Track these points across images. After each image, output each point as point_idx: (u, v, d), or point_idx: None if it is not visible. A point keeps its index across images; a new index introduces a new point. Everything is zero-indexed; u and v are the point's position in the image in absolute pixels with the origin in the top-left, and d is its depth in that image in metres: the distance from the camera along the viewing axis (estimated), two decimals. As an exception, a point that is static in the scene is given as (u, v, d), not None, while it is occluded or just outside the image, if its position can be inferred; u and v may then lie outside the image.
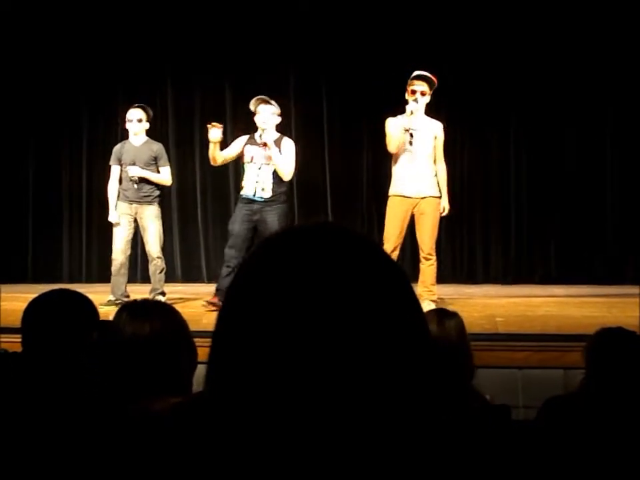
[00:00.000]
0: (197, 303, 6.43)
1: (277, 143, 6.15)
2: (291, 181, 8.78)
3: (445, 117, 6.68)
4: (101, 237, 8.63)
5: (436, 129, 5.90)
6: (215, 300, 6.01)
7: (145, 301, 2.30)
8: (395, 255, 5.57)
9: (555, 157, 8.34)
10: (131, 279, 6.76)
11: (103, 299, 6.03)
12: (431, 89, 5.83)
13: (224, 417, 0.65)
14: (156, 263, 6.39)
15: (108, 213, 6.53)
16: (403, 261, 7.48)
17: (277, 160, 6.04)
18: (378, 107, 7.73)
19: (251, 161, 6.15)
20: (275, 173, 6.07)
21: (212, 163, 6.52)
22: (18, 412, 1.98)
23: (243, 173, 6.25)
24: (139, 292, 6.72)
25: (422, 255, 5.83)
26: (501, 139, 8.55)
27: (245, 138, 6.31)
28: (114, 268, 6.41)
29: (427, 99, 5.85)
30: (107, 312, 5.66)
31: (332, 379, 0.62)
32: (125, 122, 6.59)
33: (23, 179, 9.34)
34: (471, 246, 8.68)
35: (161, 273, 6.42)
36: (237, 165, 7.11)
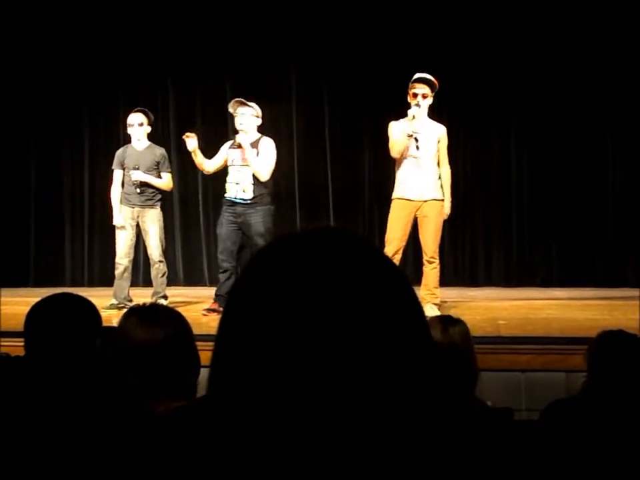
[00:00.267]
0: (199, 307, 6.44)
1: (256, 143, 6.14)
2: (292, 182, 8.89)
3: (446, 119, 6.67)
4: (103, 241, 8.65)
5: (439, 132, 5.88)
6: (215, 306, 6.01)
7: (152, 305, 2.31)
8: (397, 259, 5.55)
9: (556, 159, 8.34)
10: (133, 283, 6.76)
11: (105, 303, 6.04)
12: (432, 91, 5.82)
13: (226, 420, 0.65)
14: (158, 267, 6.40)
15: (111, 217, 6.53)
16: (406, 264, 7.48)
17: (252, 161, 6.05)
18: (379, 107, 7.74)
19: (232, 164, 6.17)
20: (254, 175, 6.07)
21: (204, 173, 6.58)
22: (20, 416, 1.98)
23: (227, 176, 6.26)
24: (141, 295, 6.72)
25: (425, 258, 5.82)
26: (502, 141, 8.55)
27: (229, 142, 6.34)
28: (117, 272, 6.41)
29: (429, 101, 5.84)
30: (109, 316, 5.68)
31: (334, 383, 0.62)
32: (126, 126, 6.59)
33: (24, 182, 9.35)
34: (473, 249, 8.68)
35: (162, 276, 6.42)
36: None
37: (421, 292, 5.67)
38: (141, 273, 8.42)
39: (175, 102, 9.10)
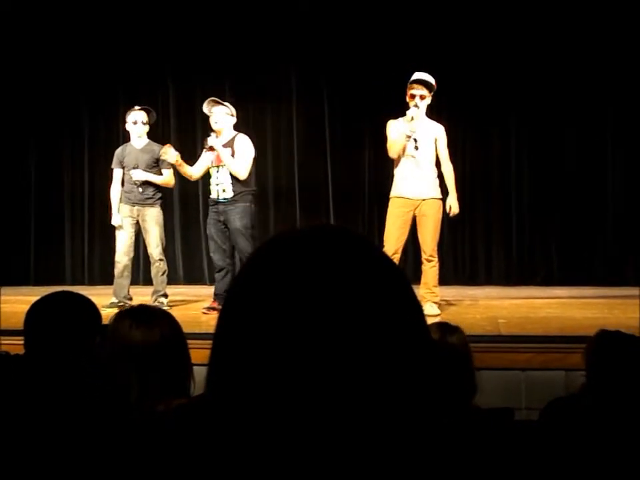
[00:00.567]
0: (198, 305, 6.44)
1: (231, 142, 6.15)
2: (292, 182, 8.89)
3: (446, 119, 6.68)
4: (103, 239, 8.65)
5: (437, 131, 5.89)
6: (215, 304, 6.02)
7: (143, 307, 2.32)
8: (396, 257, 5.56)
9: (556, 158, 8.34)
10: (133, 281, 6.76)
11: (106, 301, 6.04)
12: (430, 92, 5.82)
13: (225, 418, 0.65)
14: (158, 265, 6.39)
15: (111, 216, 6.53)
16: (406, 263, 7.49)
17: (226, 161, 6.07)
18: (379, 107, 7.73)
19: (211, 165, 6.20)
20: (232, 174, 6.09)
21: (192, 180, 6.60)
22: (20, 414, 1.98)
23: (209, 178, 6.29)
24: (141, 294, 6.73)
25: (424, 256, 5.83)
26: (502, 140, 8.56)
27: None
28: (117, 270, 6.41)
29: (427, 102, 5.84)
30: (109, 314, 5.66)
31: (332, 381, 0.62)
32: (125, 123, 6.58)
33: (24, 181, 9.35)
34: (472, 248, 8.68)
35: (163, 275, 6.41)
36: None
37: (421, 290, 5.68)
38: (141, 271, 8.43)
39: (175, 102, 9.10)
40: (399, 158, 5.82)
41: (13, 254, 9.12)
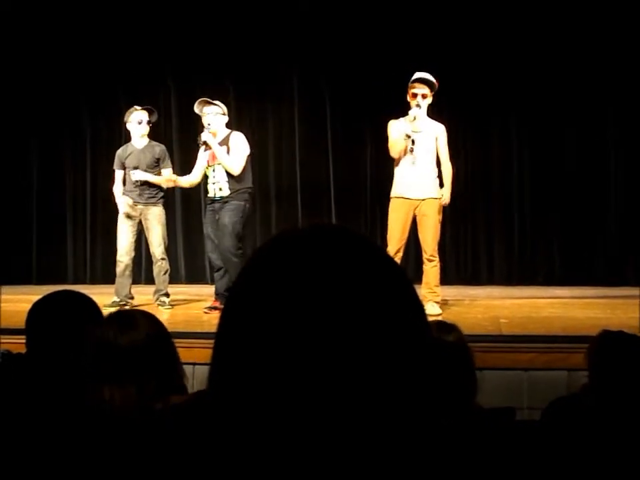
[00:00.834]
0: (200, 304, 6.44)
1: (226, 140, 6.16)
2: (293, 181, 8.89)
3: (447, 119, 6.67)
4: (105, 238, 8.65)
5: (437, 130, 5.89)
6: (217, 304, 6.02)
7: (123, 311, 2.38)
8: (398, 257, 5.56)
9: (557, 158, 8.34)
10: (135, 280, 6.77)
11: (107, 300, 6.04)
12: (431, 91, 5.82)
13: (226, 417, 0.65)
14: (160, 264, 6.40)
15: (115, 213, 6.55)
16: (407, 263, 7.49)
17: (221, 158, 6.08)
18: (380, 107, 7.74)
19: (208, 165, 6.20)
20: (227, 172, 6.09)
21: (195, 185, 6.60)
22: (22, 412, 1.98)
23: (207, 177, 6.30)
24: (143, 293, 6.74)
25: (425, 256, 5.83)
26: (503, 140, 8.56)
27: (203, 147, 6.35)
28: (119, 270, 6.41)
29: (429, 101, 5.85)
30: (111, 313, 5.67)
31: (333, 380, 0.62)
32: (125, 123, 6.57)
33: (26, 181, 9.37)
34: (474, 247, 8.68)
35: (165, 274, 6.42)
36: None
37: (422, 290, 5.68)
38: (143, 270, 8.44)
39: (176, 102, 9.11)
40: (399, 158, 5.83)
41: (14, 253, 9.14)
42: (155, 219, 6.40)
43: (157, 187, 6.45)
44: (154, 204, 6.42)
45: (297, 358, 0.62)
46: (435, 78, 5.85)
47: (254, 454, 0.64)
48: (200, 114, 6.25)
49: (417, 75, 5.83)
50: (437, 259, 5.83)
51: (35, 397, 2.04)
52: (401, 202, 5.80)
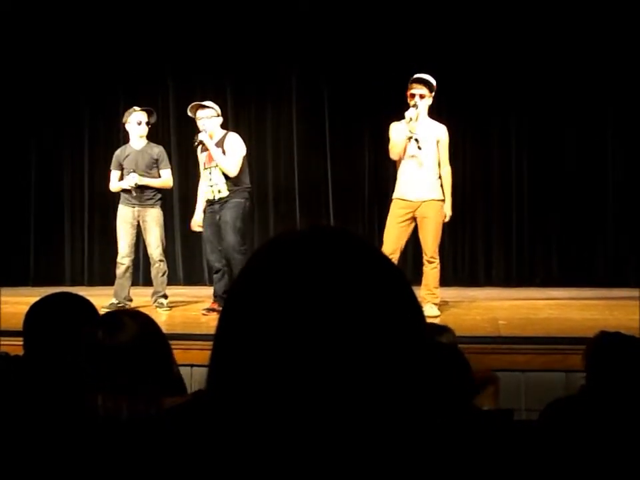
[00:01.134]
0: (198, 306, 6.44)
1: (222, 141, 6.16)
2: (292, 182, 8.88)
3: (446, 119, 6.67)
4: (103, 240, 8.65)
5: (439, 132, 5.87)
6: (215, 306, 6.02)
7: (111, 313, 2.38)
8: (394, 258, 5.55)
9: (556, 159, 8.35)
10: (134, 282, 6.75)
11: (105, 302, 6.03)
12: (430, 91, 5.80)
13: (225, 419, 0.65)
14: (158, 266, 6.39)
15: (113, 216, 6.56)
16: (406, 264, 7.49)
17: (216, 157, 6.08)
18: (379, 107, 7.74)
19: (204, 167, 6.20)
20: (223, 172, 6.10)
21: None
22: (19, 415, 1.98)
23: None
24: (141, 295, 6.73)
25: (425, 258, 5.82)
26: (502, 141, 8.56)
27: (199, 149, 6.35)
28: (119, 271, 6.40)
29: (428, 101, 5.82)
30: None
31: (331, 381, 0.62)
32: (124, 124, 6.56)
33: (24, 182, 9.36)
34: (473, 249, 8.68)
35: (163, 275, 6.41)
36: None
37: (421, 292, 5.68)
38: (141, 272, 8.43)
39: (175, 102, 9.10)
40: (400, 159, 5.82)
41: (12, 254, 9.13)
42: (153, 220, 6.39)
43: (155, 188, 6.45)
44: (152, 206, 6.42)
45: (295, 359, 0.62)
46: (435, 78, 5.83)
47: (253, 455, 0.64)
48: (194, 118, 6.25)
49: (416, 75, 5.83)
50: (437, 260, 5.83)
51: (32, 399, 2.04)
52: (401, 203, 5.80)
